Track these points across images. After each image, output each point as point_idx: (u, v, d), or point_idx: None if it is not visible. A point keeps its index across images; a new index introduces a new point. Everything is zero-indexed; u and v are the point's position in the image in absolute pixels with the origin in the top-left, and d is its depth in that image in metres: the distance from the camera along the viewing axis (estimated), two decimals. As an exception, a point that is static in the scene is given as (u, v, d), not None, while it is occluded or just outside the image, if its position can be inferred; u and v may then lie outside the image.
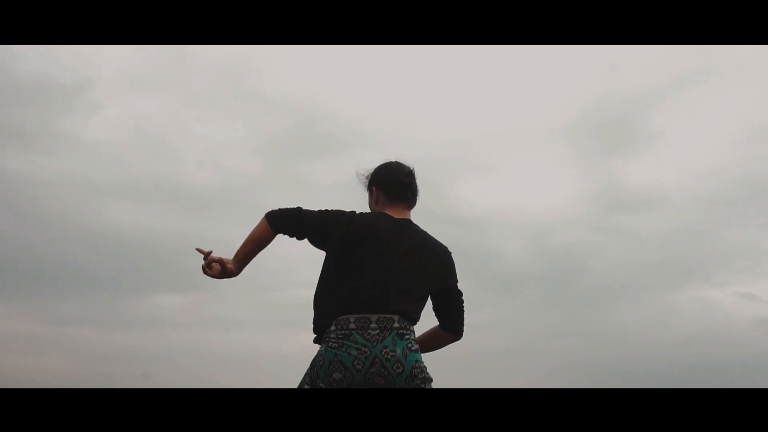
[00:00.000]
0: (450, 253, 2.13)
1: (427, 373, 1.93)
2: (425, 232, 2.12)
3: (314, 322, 2.02)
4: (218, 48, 11.60)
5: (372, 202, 2.19)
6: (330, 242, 2.03)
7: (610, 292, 13.75)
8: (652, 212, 14.34)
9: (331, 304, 1.97)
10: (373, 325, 1.90)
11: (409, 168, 2.17)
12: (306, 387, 1.95)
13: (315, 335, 2.01)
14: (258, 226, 2.10)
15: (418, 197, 2.17)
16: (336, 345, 1.89)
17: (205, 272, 2.11)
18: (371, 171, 2.21)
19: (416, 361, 1.90)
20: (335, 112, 14.20)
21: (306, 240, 2.09)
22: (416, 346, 1.94)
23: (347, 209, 2.09)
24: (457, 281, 2.14)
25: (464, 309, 2.16)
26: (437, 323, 2.18)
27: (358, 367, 1.86)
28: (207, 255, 2.10)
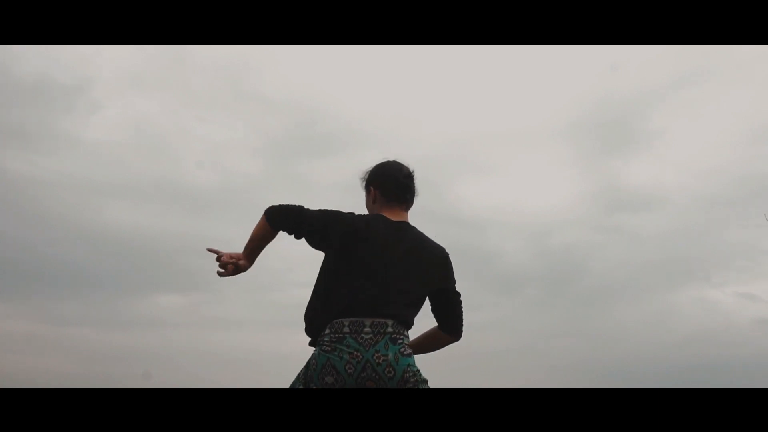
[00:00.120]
0: (447, 255, 2.13)
1: (421, 376, 1.93)
2: (422, 234, 2.11)
3: (308, 325, 2.01)
4: (218, 48, 11.63)
5: (369, 201, 2.18)
6: (329, 242, 2.02)
7: (610, 292, 13.77)
8: (652, 212, 14.36)
9: (326, 307, 1.96)
10: (366, 329, 1.89)
11: (408, 169, 2.16)
12: (299, 387, 1.95)
13: (309, 338, 2.01)
14: (259, 223, 2.10)
15: (416, 198, 2.17)
16: (329, 349, 1.89)
17: (220, 275, 2.12)
18: (369, 170, 2.20)
19: (408, 365, 1.90)
20: (335, 112, 14.22)
21: (304, 239, 2.07)
22: (409, 351, 1.94)
23: (346, 210, 2.08)
24: (455, 282, 2.14)
25: (463, 310, 2.16)
26: (436, 324, 2.18)
27: (349, 371, 1.86)
28: (220, 257, 2.10)
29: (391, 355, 1.88)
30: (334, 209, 2.06)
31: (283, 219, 2.06)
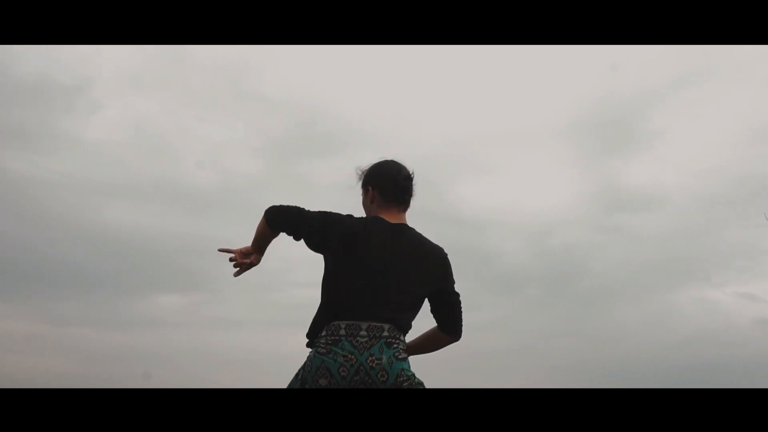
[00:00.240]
0: (446, 255, 2.12)
1: (416, 379, 1.92)
2: (420, 235, 2.10)
3: (311, 326, 2.01)
4: (218, 48, 11.61)
5: (367, 201, 2.17)
6: (328, 244, 2.01)
7: (610, 292, 13.77)
8: (652, 212, 14.36)
9: (324, 309, 1.97)
10: (362, 333, 1.90)
11: (407, 171, 2.15)
12: (297, 387, 1.95)
13: (307, 339, 2.01)
14: (259, 224, 2.12)
15: (413, 199, 2.16)
16: (324, 351, 1.89)
17: (236, 275, 2.14)
18: (367, 168, 2.19)
19: (402, 369, 1.90)
20: (335, 112, 14.22)
21: (302, 241, 2.06)
22: (404, 355, 1.94)
23: (346, 212, 2.07)
24: (453, 282, 2.13)
25: (462, 310, 2.15)
26: (436, 325, 2.18)
27: (343, 374, 1.86)
28: (232, 257, 2.12)
29: (384, 359, 1.88)
30: (332, 211, 2.05)
31: (282, 220, 2.06)
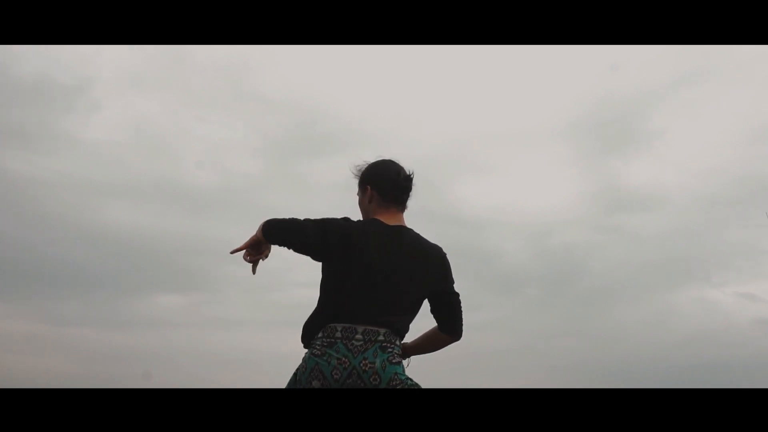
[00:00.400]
0: (445, 255, 2.12)
1: (410, 382, 1.92)
2: (419, 236, 2.09)
3: (304, 327, 2.00)
4: (218, 48, 11.63)
5: (365, 200, 2.14)
6: (328, 249, 1.97)
7: (610, 292, 13.78)
8: (652, 212, 14.37)
9: (322, 311, 1.97)
10: (358, 336, 1.90)
11: (406, 171, 2.14)
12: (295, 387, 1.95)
13: (304, 341, 2.00)
14: (256, 234, 2.03)
15: (411, 198, 2.14)
16: (319, 353, 1.89)
17: (254, 272, 2.09)
18: (364, 166, 2.17)
19: (396, 373, 1.90)
20: (335, 112, 14.23)
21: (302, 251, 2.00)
22: (398, 359, 1.93)
23: (344, 212, 2.05)
24: (453, 282, 2.13)
25: (462, 310, 2.15)
26: (436, 325, 2.17)
27: (335, 377, 1.86)
28: (245, 256, 2.05)
29: (378, 363, 1.88)
30: (328, 218, 2.00)
31: (279, 234, 1.99)
